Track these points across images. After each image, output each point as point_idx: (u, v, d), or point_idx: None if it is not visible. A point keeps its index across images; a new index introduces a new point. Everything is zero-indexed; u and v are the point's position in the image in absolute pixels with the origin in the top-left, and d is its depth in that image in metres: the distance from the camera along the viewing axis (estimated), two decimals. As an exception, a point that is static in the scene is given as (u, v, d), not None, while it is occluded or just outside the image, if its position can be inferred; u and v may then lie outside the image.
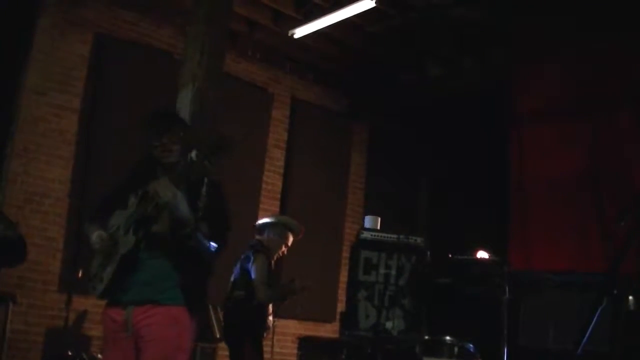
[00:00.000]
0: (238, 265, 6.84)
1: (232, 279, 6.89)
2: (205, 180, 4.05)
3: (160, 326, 3.86)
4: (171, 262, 3.92)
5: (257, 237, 7.05)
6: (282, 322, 8.07)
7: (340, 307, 10.98)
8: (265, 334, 6.82)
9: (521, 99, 9.96)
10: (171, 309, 3.89)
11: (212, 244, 4.02)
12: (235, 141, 3.81)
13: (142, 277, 3.89)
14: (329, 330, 11.32)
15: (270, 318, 6.87)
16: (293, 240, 7.18)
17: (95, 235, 3.99)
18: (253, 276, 6.62)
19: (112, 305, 3.98)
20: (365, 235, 7.56)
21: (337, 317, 11.16)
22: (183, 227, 3.89)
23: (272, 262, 6.89)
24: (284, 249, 7.11)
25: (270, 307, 6.86)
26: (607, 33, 8.73)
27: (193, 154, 3.81)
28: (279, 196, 11.19)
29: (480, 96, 10.25)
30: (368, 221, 7.97)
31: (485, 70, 10.17)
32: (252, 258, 6.71)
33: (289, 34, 10.09)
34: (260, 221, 7.30)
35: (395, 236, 7.36)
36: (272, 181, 11.14)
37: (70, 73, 9.31)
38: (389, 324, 7.16)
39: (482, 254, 7.88)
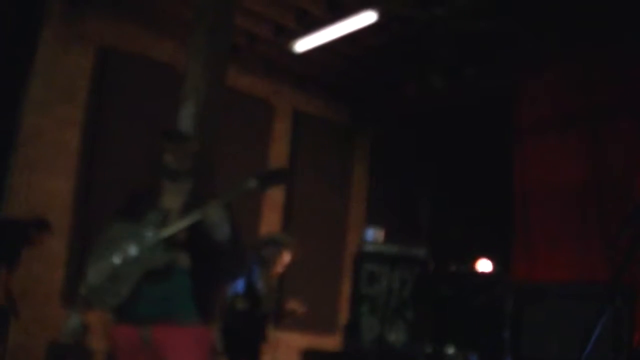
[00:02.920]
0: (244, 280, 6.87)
1: (232, 291, 6.90)
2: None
3: (188, 349, 3.80)
4: (187, 278, 3.85)
5: (258, 252, 7.08)
6: (284, 335, 8.05)
7: (343, 319, 10.96)
8: (265, 346, 6.84)
9: (524, 109, 9.97)
10: (195, 330, 3.84)
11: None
12: (290, 172, 3.82)
13: (160, 293, 3.80)
14: (331, 342, 11.30)
15: (270, 331, 6.88)
16: (291, 259, 7.20)
17: (92, 278, 3.91)
18: (260, 289, 6.65)
19: (124, 321, 3.85)
20: (368, 247, 7.55)
21: (339, 328, 11.14)
22: (221, 252, 3.86)
23: (274, 277, 6.94)
24: (281, 266, 7.12)
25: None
26: (608, 42, 8.75)
27: (251, 182, 3.78)
28: (281, 208, 11.19)
29: (482, 106, 10.26)
30: (370, 233, 7.96)
31: (487, 80, 10.18)
32: (257, 271, 6.73)
33: (291, 47, 10.11)
34: (260, 239, 7.33)
35: (397, 248, 7.35)
36: (274, 193, 11.14)
37: (73, 86, 9.34)
38: (392, 337, 7.15)
39: (484, 265, 7.88)
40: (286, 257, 7.10)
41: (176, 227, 3.81)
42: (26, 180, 8.82)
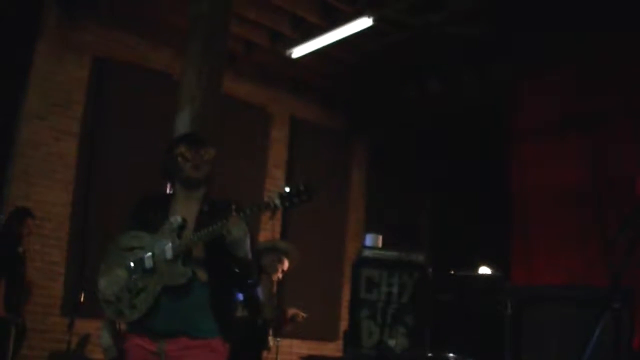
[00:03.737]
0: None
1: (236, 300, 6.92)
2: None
3: None
4: (205, 291, 3.77)
5: (258, 260, 7.08)
6: (285, 342, 8.04)
7: (344, 325, 10.95)
8: (266, 353, 6.85)
9: (521, 113, 9.98)
10: (209, 342, 3.75)
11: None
12: (317, 188, 3.71)
13: (176, 307, 3.71)
14: (332, 349, 11.29)
15: (270, 338, 6.89)
16: (290, 266, 7.20)
17: (104, 288, 3.82)
18: (260, 297, 6.64)
19: (140, 333, 3.76)
20: (367, 253, 7.53)
21: (340, 335, 11.14)
22: (241, 267, 3.79)
23: (274, 284, 6.95)
24: (280, 274, 7.12)
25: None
26: (605, 46, 8.76)
27: (276, 200, 3.64)
28: (280, 216, 11.18)
29: (480, 111, 10.26)
30: (369, 239, 7.95)
31: (484, 85, 10.18)
32: (257, 280, 6.73)
33: (287, 54, 10.12)
34: (259, 246, 7.32)
35: (396, 253, 7.34)
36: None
37: (69, 97, 9.35)
38: (392, 342, 7.13)
39: (484, 270, 7.88)
40: (285, 264, 7.11)
41: (197, 239, 3.71)
42: (24, 191, 8.82)
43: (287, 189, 3.66)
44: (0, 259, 7.63)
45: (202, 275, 3.76)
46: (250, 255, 3.79)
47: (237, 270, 3.81)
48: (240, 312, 6.74)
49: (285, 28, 9.91)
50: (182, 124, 7.13)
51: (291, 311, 7.05)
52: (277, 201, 3.63)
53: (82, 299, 7.93)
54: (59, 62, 9.30)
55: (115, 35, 9.79)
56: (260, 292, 6.67)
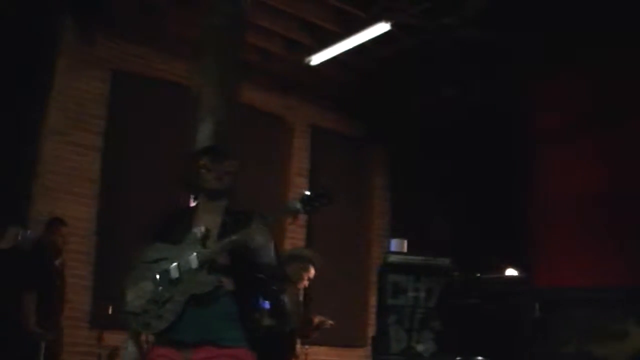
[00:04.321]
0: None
1: (257, 307, 6.91)
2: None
3: None
4: (231, 300, 3.76)
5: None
6: (312, 349, 8.04)
7: (371, 331, 10.94)
8: None
9: (539, 116, 9.95)
10: (235, 352, 3.73)
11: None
12: (335, 194, 3.71)
13: (202, 316, 3.70)
14: (360, 356, 11.28)
15: (298, 346, 6.88)
16: (315, 274, 7.19)
17: (133, 299, 3.80)
18: (287, 305, 6.64)
19: (165, 344, 3.74)
20: (392, 259, 7.52)
21: (368, 341, 11.12)
22: (266, 273, 3.79)
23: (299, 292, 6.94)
24: (305, 282, 7.12)
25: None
26: (621, 45, 8.71)
27: (297, 204, 3.67)
28: (304, 224, 11.18)
29: (498, 114, 10.23)
30: (394, 244, 7.95)
31: (501, 88, 10.16)
32: (283, 288, 6.73)
33: (304, 62, 10.13)
34: (284, 255, 7.31)
35: (422, 258, 7.33)
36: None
37: (89, 111, 9.43)
38: (420, 347, 7.13)
39: (510, 272, 7.84)
40: (311, 272, 7.11)
41: (221, 248, 3.72)
42: (47, 207, 8.87)
43: (308, 195, 3.68)
44: (33, 273, 7.66)
45: (228, 283, 3.76)
46: (274, 262, 3.80)
47: (262, 276, 3.81)
48: (267, 321, 6.75)
49: (301, 36, 9.93)
50: (203, 135, 7.14)
51: (317, 319, 7.04)
52: (298, 205, 3.66)
53: (110, 312, 7.96)
54: (78, 78, 9.37)
55: (132, 49, 9.85)
56: (286, 300, 6.67)
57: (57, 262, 7.98)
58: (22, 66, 8.70)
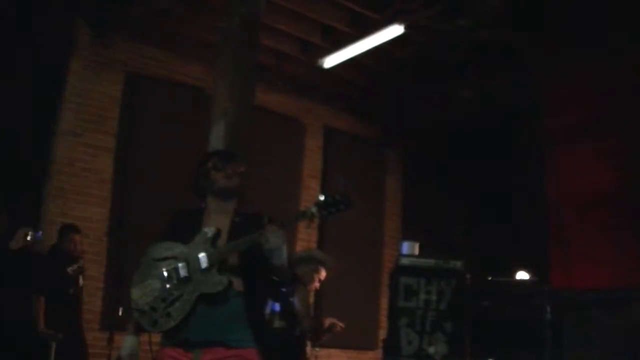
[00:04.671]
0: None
1: (268, 309, 6.91)
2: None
3: None
4: (241, 300, 3.76)
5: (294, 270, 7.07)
6: (323, 352, 8.03)
7: (382, 334, 10.91)
8: None
9: (554, 116, 9.90)
10: (244, 352, 3.73)
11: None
12: (354, 199, 3.70)
13: (211, 316, 3.70)
14: (371, 358, 11.27)
15: (308, 348, 6.87)
16: (326, 275, 7.18)
17: (137, 297, 3.81)
18: (297, 307, 6.63)
19: (174, 345, 3.74)
20: (404, 261, 7.51)
21: (380, 344, 11.10)
22: (278, 275, 3.81)
23: (310, 294, 6.93)
24: (317, 283, 7.11)
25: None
26: (635, 43, 8.67)
27: (313, 208, 3.66)
28: (316, 226, 11.17)
29: (512, 115, 10.21)
30: (406, 247, 7.93)
31: (516, 89, 10.13)
32: (292, 290, 6.72)
33: (318, 64, 10.13)
34: (294, 256, 7.30)
35: (434, 261, 7.32)
36: (308, 210, 11.11)
37: (103, 113, 9.45)
38: (431, 350, 7.11)
39: (522, 275, 7.81)
40: (322, 274, 7.09)
41: (233, 248, 3.73)
42: (60, 208, 8.91)
43: (324, 198, 3.68)
44: (42, 277, 7.68)
45: (238, 284, 3.76)
46: (286, 264, 3.81)
47: (274, 278, 3.83)
48: (277, 323, 6.74)
49: (316, 38, 9.92)
50: (217, 137, 7.15)
51: (328, 321, 7.02)
52: (314, 210, 3.66)
53: (120, 313, 7.96)
54: (93, 80, 9.40)
55: (146, 51, 9.88)
56: (297, 302, 6.66)
57: (70, 269, 8.00)
58: (37, 67, 8.74)
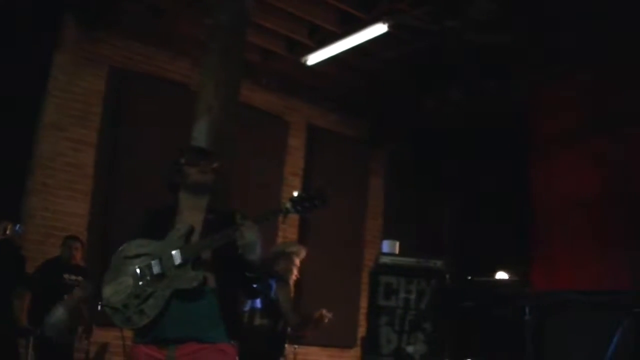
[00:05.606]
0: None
1: (248, 307, 6.92)
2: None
3: None
4: (215, 297, 3.75)
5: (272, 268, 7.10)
6: (303, 350, 8.04)
7: (362, 332, 10.94)
8: None
9: (541, 119, 9.95)
10: (220, 346, 3.72)
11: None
12: (330, 195, 3.70)
13: (186, 312, 3.69)
14: (351, 356, 11.28)
15: (287, 345, 6.89)
16: (301, 262, 7.23)
17: (110, 295, 3.80)
18: (283, 305, 6.64)
19: (148, 342, 3.73)
20: (384, 260, 7.54)
21: (359, 342, 11.12)
22: (252, 271, 3.79)
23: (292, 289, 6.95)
24: (296, 273, 7.14)
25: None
26: (624, 47, 8.70)
27: (287, 204, 3.66)
28: (297, 223, 11.18)
29: (500, 117, 10.25)
30: (386, 246, 7.95)
31: (505, 92, 10.16)
32: (274, 287, 6.72)
33: (303, 62, 10.13)
34: (269, 255, 7.32)
35: (414, 260, 7.34)
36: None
37: (87, 108, 9.41)
38: (410, 349, 7.13)
39: (502, 275, 7.85)
40: (297, 263, 7.13)
41: (207, 244, 3.72)
42: (42, 202, 8.88)
43: (298, 194, 3.69)
44: (33, 282, 7.67)
45: (211, 280, 3.75)
46: (260, 261, 3.78)
47: (248, 274, 3.82)
48: (258, 321, 6.75)
49: (302, 36, 9.92)
50: (199, 133, 7.14)
51: (317, 313, 7.00)
52: (289, 205, 3.67)
53: (99, 308, 7.93)
54: (77, 74, 9.36)
55: (132, 46, 9.84)
56: (281, 299, 6.67)
57: (67, 277, 7.98)
58: (20, 60, 8.69)
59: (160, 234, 3.82)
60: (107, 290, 3.84)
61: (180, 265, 3.70)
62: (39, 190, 8.90)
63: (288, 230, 10.95)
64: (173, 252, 3.72)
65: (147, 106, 9.63)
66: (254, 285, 3.90)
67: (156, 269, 3.73)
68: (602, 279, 8.52)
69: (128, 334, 3.97)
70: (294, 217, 10.97)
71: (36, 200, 8.86)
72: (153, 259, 3.75)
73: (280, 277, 6.87)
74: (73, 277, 8.01)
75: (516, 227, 9.92)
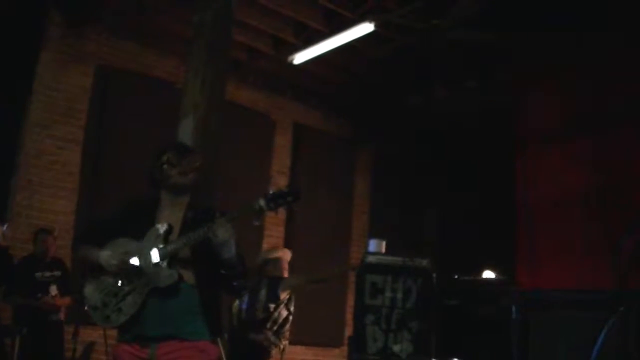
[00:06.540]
0: (247, 296, 6.96)
1: (241, 307, 6.97)
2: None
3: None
4: (194, 293, 3.77)
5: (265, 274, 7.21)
6: (289, 349, 8.02)
7: (348, 331, 10.94)
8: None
9: (526, 118, 9.97)
10: (197, 344, 3.75)
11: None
12: (302, 192, 3.71)
13: (165, 310, 3.71)
14: (337, 356, 11.28)
15: (273, 338, 6.97)
16: (285, 254, 7.39)
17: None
18: (289, 288, 7.12)
19: (130, 340, 3.76)
20: (370, 259, 7.51)
21: (345, 341, 11.11)
22: (227, 269, 3.80)
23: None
24: (285, 275, 7.26)
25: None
26: (608, 47, 8.73)
27: (261, 201, 3.66)
28: (283, 222, 11.17)
29: (484, 116, 10.26)
30: (372, 245, 7.93)
31: (489, 91, 10.18)
32: (249, 284, 6.77)
33: (289, 60, 10.12)
34: (259, 262, 7.38)
35: (400, 259, 7.32)
36: (277, 207, 11.09)
37: (73, 105, 9.37)
38: (396, 348, 7.11)
39: (488, 274, 7.86)
40: (285, 266, 7.26)
41: (183, 243, 3.73)
42: (28, 200, 8.84)
43: (271, 191, 3.71)
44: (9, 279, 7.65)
45: (190, 278, 3.78)
46: (236, 258, 3.80)
47: (223, 272, 3.82)
48: (245, 319, 6.79)
49: (289, 35, 9.91)
50: (185, 131, 7.12)
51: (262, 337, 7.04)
52: (262, 203, 3.67)
53: (86, 307, 7.90)
54: (63, 71, 9.32)
55: (118, 44, 9.81)
56: (287, 286, 7.11)
57: (39, 275, 7.93)
58: (5, 58, 8.64)
59: (141, 231, 3.84)
60: (88, 290, 3.89)
61: (157, 264, 3.73)
62: (24, 188, 8.86)
63: (274, 229, 10.95)
64: (150, 252, 3.75)
65: (133, 104, 9.59)
66: (234, 283, 3.91)
67: (134, 268, 3.76)
68: (586, 279, 8.55)
69: (112, 332, 3.97)
70: (279, 216, 11.03)
71: (21, 198, 8.83)
72: (132, 258, 3.78)
73: (274, 277, 7.02)
74: (47, 274, 7.99)
75: (502, 226, 9.93)
